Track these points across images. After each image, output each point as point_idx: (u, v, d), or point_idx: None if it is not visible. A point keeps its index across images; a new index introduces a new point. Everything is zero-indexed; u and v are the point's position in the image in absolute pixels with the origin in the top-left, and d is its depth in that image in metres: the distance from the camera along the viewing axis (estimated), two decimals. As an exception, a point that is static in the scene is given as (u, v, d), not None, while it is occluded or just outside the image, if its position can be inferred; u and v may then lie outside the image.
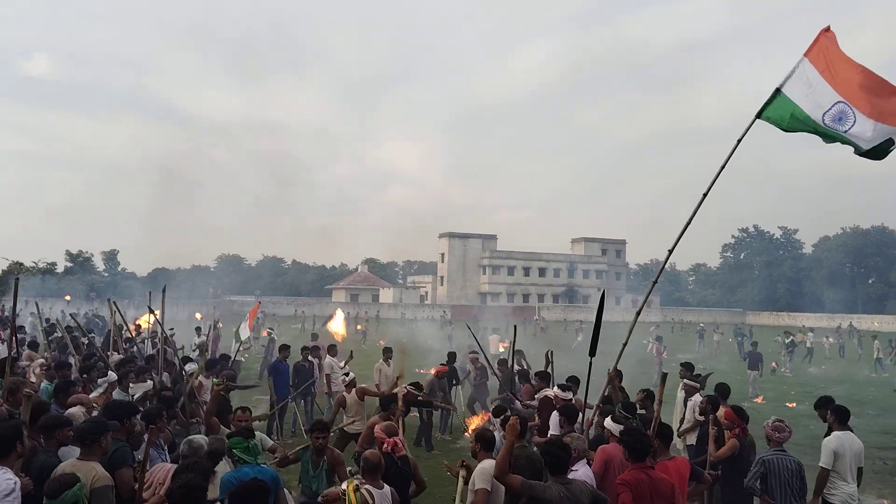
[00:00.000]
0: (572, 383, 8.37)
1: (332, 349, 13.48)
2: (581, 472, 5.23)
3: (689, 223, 5.04)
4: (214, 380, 8.60)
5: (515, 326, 11.93)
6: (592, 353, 5.84)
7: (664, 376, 6.07)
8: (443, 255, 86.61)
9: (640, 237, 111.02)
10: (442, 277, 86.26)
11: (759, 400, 17.60)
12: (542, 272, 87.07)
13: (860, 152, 5.02)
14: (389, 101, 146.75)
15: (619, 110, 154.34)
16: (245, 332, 12.46)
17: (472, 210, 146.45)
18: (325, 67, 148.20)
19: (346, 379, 9.86)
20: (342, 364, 13.27)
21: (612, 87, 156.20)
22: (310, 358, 13.06)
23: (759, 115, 5.12)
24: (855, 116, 4.95)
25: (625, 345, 5.26)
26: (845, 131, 4.98)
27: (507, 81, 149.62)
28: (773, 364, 25.13)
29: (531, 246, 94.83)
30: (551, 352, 9.57)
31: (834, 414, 6.40)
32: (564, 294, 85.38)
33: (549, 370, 9.27)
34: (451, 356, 13.51)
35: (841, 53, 5.15)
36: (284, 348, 12.99)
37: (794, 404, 17.08)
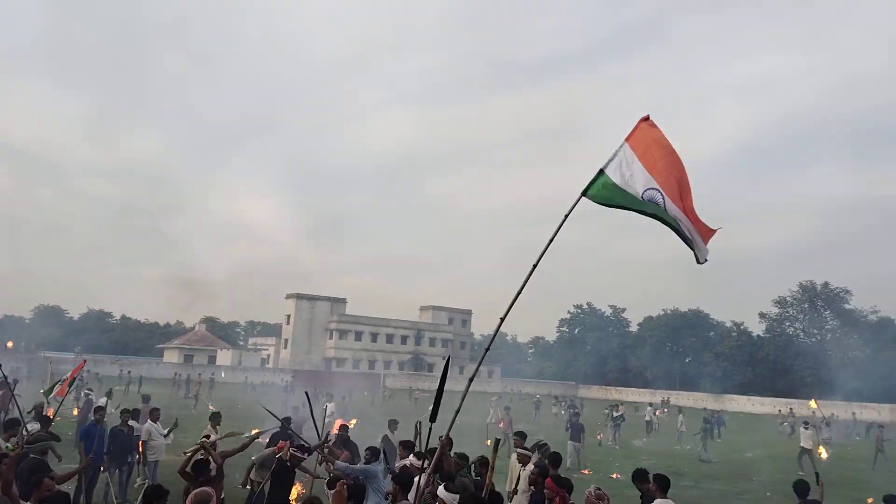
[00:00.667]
0: (405, 448, 8.30)
1: (155, 413, 12.40)
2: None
3: (518, 295, 5.19)
4: (8, 445, 7.58)
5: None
6: (433, 419, 5.78)
7: (497, 442, 6.10)
8: (289, 316, 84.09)
9: (486, 308, 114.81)
10: (286, 340, 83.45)
11: (586, 472, 18.27)
12: (389, 339, 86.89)
13: (680, 235, 5.40)
14: (241, 152, 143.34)
15: (470, 183, 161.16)
16: (52, 392, 11.18)
17: (322, 272, 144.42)
18: (171, 108, 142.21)
19: (208, 441, 9.15)
20: (165, 432, 12.25)
21: (464, 160, 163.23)
22: (129, 422, 11.89)
23: (584, 194, 5.37)
24: (665, 205, 5.33)
25: (457, 412, 5.24)
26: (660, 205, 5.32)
27: (365, 144, 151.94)
28: (599, 435, 26.39)
29: (380, 311, 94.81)
30: (420, 422, 9.42)
31: (656, 482, 6.76)
32: (410, 362, 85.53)
33: (415, 440, 9.09)
34: (287, 420, 12.88)
35: (660, 141, 5.47)
36: (99, 410, 11.72)
37: (617, 475, 17.93)
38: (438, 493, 5.97)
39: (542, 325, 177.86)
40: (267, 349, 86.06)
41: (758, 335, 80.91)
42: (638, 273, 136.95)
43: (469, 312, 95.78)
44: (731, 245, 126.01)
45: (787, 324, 79.87)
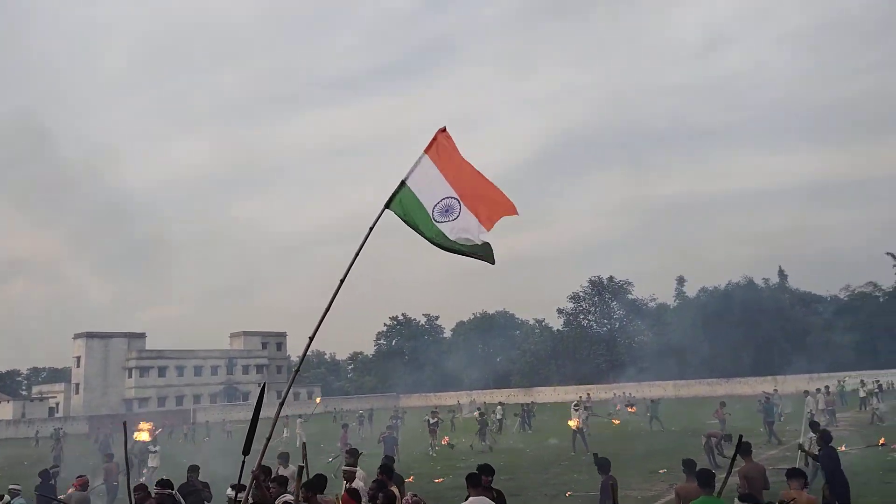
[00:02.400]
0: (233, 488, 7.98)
1: None
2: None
3: (326, 312, 5.28)
4: None
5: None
6: (246, 451, 5.62)
7: (301, 470, 6.10)
8: (78, 358, 76.06)
9: (301, 330, 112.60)
10: (77, 384, 75.36)
11: (410, 479, 18.63)
12: (197, 371, 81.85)
13: (470, 252, 5.82)
14: (12, 176, 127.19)
15: (276, 203, 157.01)
16: None
17: (114, 308, 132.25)
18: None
19: None
20: None
21: (269, 180, 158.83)
22: None
23: (387, 206, 5.60)
24: (460, 210, 5.74)
25: (268, 439, 5.18)
26: (452, 219, 5.70)
27: (157, 166, 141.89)
28: (445, 439, 26.91)
29: (185, 343, 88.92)
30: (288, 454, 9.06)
31: (467, 480, 7.18)
32: (223, 392, 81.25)
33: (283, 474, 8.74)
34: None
35: (455, 153, 5.88)
36: None
37: (442, 479, 18.51)
38: None
39: (361, 340, 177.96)
40: (55, 396, 77.07)
41: (557, 329, 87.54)
42: (450, 281, 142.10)
43: (283, 335, 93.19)
44: (530, 248, 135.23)
45: (582, 316, 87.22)
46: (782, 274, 77.20)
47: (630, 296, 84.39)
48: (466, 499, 7.11)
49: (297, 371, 6.17)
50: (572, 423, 24.91)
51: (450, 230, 5.72)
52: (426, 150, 5.85)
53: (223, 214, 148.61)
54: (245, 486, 8.48)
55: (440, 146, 5.90)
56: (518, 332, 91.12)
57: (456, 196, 5.75)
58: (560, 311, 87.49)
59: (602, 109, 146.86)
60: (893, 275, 71.34)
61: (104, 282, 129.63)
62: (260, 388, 5.91)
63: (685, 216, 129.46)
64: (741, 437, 8.07)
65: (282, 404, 5.45)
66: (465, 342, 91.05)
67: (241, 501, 6.86)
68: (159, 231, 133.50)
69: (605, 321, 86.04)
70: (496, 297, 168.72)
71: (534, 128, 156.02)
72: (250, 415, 5.45)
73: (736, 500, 7.18)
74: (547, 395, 70.30)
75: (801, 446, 12.27)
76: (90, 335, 75.79)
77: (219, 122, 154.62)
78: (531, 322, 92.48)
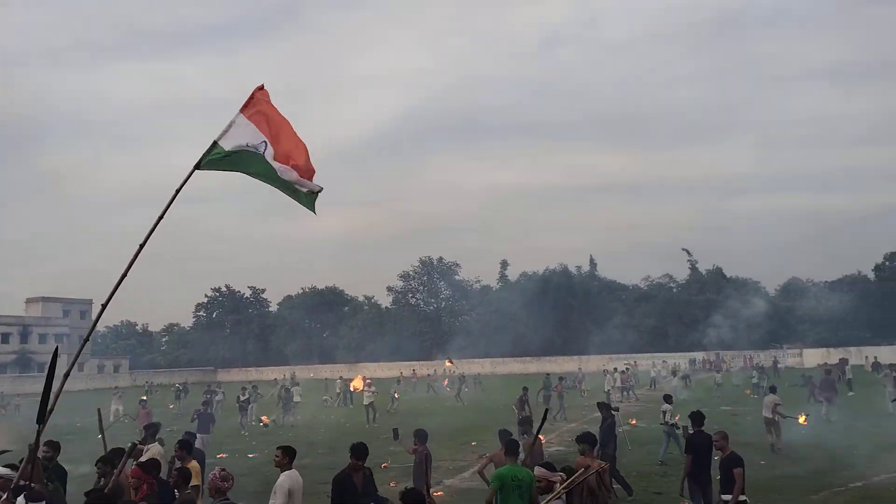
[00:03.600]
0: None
1: None
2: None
3: (122, 278, 4.96)
4: None
5: None
6: (40, 419, 5.12)
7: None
8: None
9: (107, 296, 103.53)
10: None
11: (222, 455, 18.02)
12: (-15, 339, 73.09)
13: (294, 196, 5.75)
14: None
15: (90, 159, 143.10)
16: None
17: None
18: None
19: None
20: None
21: (81, 133, 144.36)
22: None
23: (196, 167, 5.36)
24: (266, 156, 5.62)
25: (49, 411, 4.75)
26: (270, 160, 5.62)
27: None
28: (264, 418, 25.40)
29: (-31, 308, 78.86)
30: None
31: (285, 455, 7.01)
32: (16, 362, 73.37)
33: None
34: None
35: (273, 109, 5.78)
36: None
37: (255, 455, 18.14)
38: None
39: (178, 312, 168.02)
40: None
41: (386, 307, 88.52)
42: (279, 253, 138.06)
43: (90, 302, 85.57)
44: (364, 227, 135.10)
45: (410, 295, 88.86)
46: (593, 263, 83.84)
47: (457, 277, 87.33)
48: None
49: (87, 340, 5.73)
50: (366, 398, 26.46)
51: (276, 169, 5.66)
52: (241, 110, 5.70)
53: (31, 166, 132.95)
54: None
55: (257, 102, 5.79)
56: (346, 308, 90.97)
57: (266, 141, 5.70)
58: (390, 288, 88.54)
59: (444, 94, 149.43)
60: (687, 268, 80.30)
61: None
62: (53, 353, 5.39)
63: (517, 203, 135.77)
64: (546, 410, 8.72)
65: (66, 375, 5.03)
66: (292, 316, 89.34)
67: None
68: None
69: (433, 300, 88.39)
70: (327, 275, 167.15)
71: (376, 105, 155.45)
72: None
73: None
74: (371, 370, 71.04)
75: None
76: None
77: (31, 62, 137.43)
78: (360, 299, 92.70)
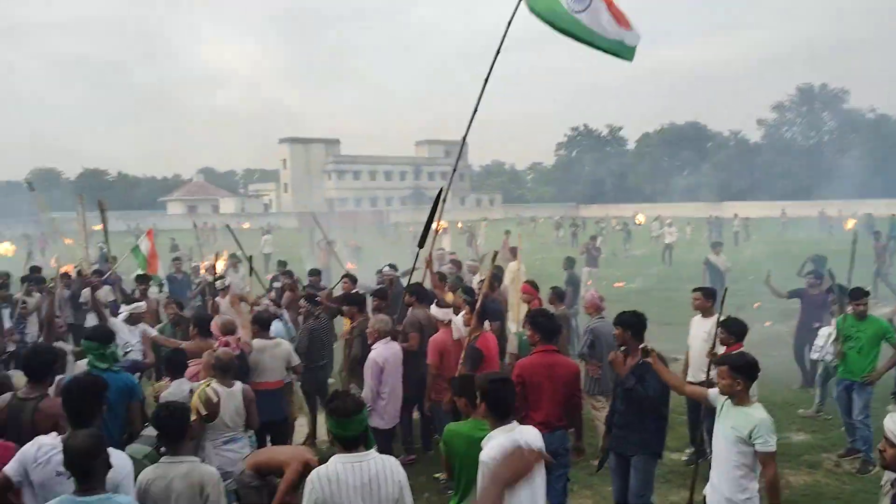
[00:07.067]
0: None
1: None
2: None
3: (474, 113, 5.33)
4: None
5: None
6: (421, 244, 6.11)
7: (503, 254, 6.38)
8: (284, 161, 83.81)
9: (480, 139, 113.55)
10: (286, 184, 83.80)
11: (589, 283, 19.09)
12: (388, 176, 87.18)
13: (606, 48, 5.47)
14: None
15: (453, 7, 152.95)
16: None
17: (311, 114, 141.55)
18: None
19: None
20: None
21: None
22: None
23: (531, 10, 5.45)
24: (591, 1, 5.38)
25: (423, 238, 5.52)
26: (583, 10, 5.42)
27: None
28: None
29: (375, 150, 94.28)
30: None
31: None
32: (411, 196, 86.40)
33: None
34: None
35: None
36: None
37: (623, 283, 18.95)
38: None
39: (540, 151, 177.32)
40: (268, 194, 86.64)
41: (755, 142, 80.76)
42: (633, 91, 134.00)
43: (465, 143, 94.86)
44: (725, 55, 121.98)
45: (785, 128, 79.31)
46: None
47: (845, 105, 74.66)
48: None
49: (455, 171, 6.54)
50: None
51: (586, 20, 5.51)
52: None
53: (404, 20, 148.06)
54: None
55: None
56: (710, 144, 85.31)
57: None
58: (760, 121, 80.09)
59: None
60: None
61: (301, 89, 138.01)
62: (438, 192, 6.33)
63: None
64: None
65: (434, 208, 5.78)
66: (650, 154, 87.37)
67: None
68: (345, 38, 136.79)
69: (813, 133, 77.71)
70: (687, 109, 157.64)
71: None
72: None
73: None
74: (736, 208, 66.68)
75: None
76: (293, 140, 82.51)
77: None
78: (725, 133, 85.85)
